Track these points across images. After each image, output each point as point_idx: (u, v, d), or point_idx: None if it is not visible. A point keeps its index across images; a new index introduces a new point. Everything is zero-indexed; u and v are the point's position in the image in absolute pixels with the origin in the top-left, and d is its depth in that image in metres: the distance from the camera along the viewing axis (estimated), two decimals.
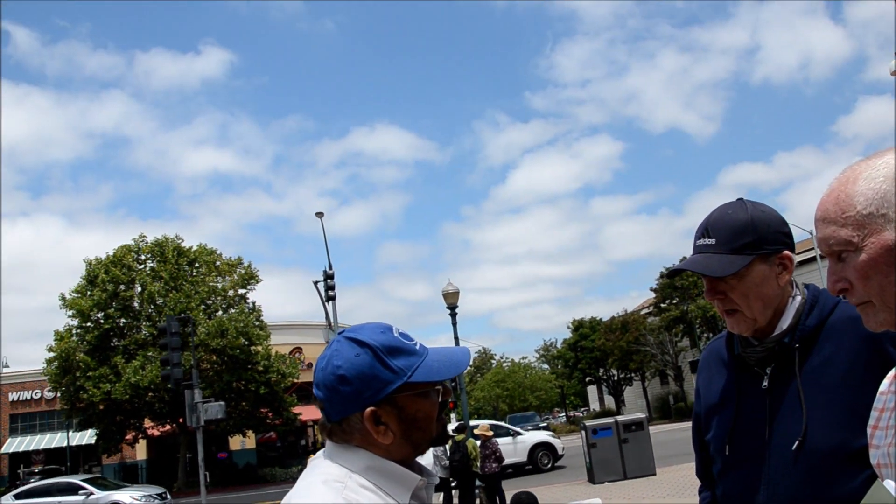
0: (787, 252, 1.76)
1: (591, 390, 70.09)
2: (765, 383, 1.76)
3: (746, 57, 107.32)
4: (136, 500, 24.62)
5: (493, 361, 75.75)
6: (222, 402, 21.27)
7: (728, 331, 1.89)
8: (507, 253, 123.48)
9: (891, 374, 1.34)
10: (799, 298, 1.78)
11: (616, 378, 59.26)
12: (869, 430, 1.33)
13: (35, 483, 27.36)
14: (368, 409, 1.34)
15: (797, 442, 1.64)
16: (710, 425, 1.91)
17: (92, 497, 24.52)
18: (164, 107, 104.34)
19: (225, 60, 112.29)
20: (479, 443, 14.23)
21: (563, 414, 74.50)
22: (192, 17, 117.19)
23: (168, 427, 37.15)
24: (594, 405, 70.07)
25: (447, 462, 14.48)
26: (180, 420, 33.76)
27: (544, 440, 25.12)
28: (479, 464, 13.97)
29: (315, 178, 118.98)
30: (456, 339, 22.67)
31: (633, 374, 56.32)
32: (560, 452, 24.44)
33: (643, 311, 56.10)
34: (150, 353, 32.20)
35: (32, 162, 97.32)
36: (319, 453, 1.45)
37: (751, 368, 1.81)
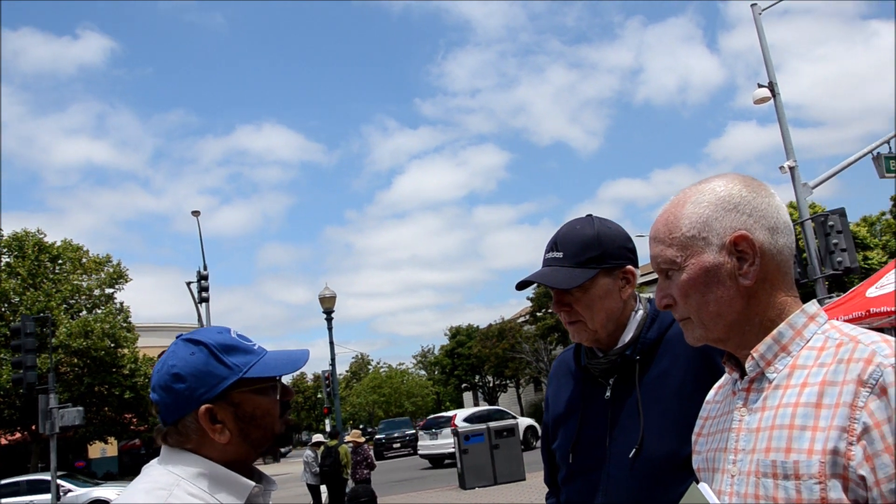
0: (630, 267, 1.84)
1: (467, 396, 70.95)
2: (607, 394, 1.84)
3: (630, 77, 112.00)
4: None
5: (370, 367, 75.38)
6: (81, 408, 20.05)
7: (576, 343, 1.95)
8: (390, 258, 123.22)
9: (717, 384, 1.43)
10: (641, 312, 1.87)
11: (491, 385, 60.25)
12: (693, 437, 1.42)
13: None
14: (203, 407, 1.32)
15: (634, 450, 1.72)
16: (557, 434, 1.97)
17: (70, 494, 22.55)
18: (34, 91, 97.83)
19: (105, 47, 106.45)
20: (350, 449, 14.12)
21: None
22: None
23: (18, 435, 34.73)
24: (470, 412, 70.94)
25: (318, 468, 14.27)
26: (33, 427, 31.64)
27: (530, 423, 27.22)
28: (349, 470, 13.86)
29: (196, 176, 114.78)
30: (331, 343, 22.45)
31: (508, 381, 57.40)
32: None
33: (520, 320, 57.33)
34: (2, 355, 30.03)
35: None
36: (154, 460, 1.40)
37: (595, 379, 1.89)
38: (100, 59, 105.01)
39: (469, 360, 59.14)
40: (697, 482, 1.30)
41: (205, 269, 29.37)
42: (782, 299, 1.25)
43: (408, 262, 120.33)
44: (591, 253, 1.80)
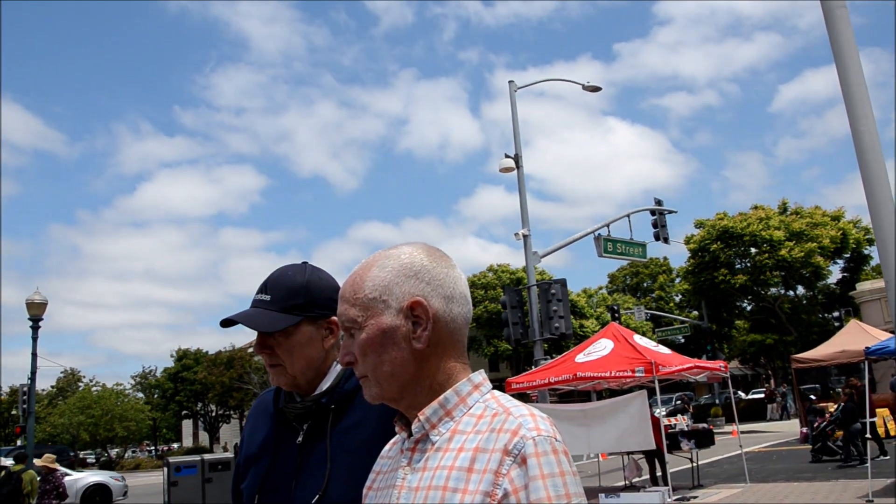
0: (334, 318, 1.86)
1: (187, 424, 67.32)
2: (299, 438, 1.83)
3: (396, 125, 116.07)
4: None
5: (80, 384, 68.76)
6: None
7: (276, 386, 1.93)
8: (122, 268, 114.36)
9: (392, 440, 1.47)
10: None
11: (214, 413, 57.78)
12: (364, 490, 1.44)
13: None
14: None
15: (317, 497, 1.72)
16: (247, 474, 1.94)
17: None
18: None
19: None
20: (38, 476, 12.62)
21: (153, 448, 70.18)
22: None
23: None
24: (188, 440, 67.27)
25: None
26: None
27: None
28: (33, 501, 12.35)
29: None
30: (34, 355, 20.17)
31: (231, 412, 55.44)
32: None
33: (250, 350, 55.77)
34: None
35: None
36: None
37: (290, 423, 1.88)
38: None
39: (193, 386, 56.41)
40: None
41: None
42: (451, 365, 1.33)
43: (141, 275, 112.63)
44: (297, 300, 1.83)
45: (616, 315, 36.50)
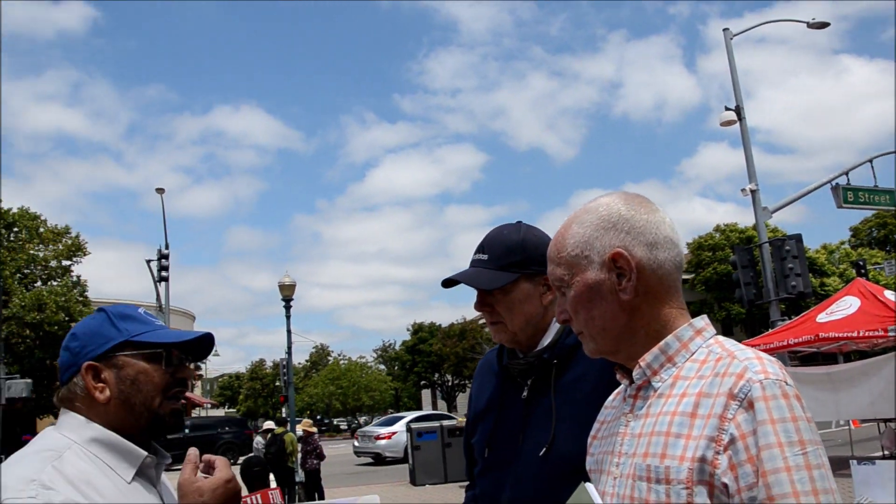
0: None
1: (426, 394, 70.97)
2: (524, 394, 1.90)
3: (609, 90, 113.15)
4: None
5: (329, 358, 75.02)
6: (29, 380, 19.80)
7: (500, 343, 2.01)
8: (357, 251, 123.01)
9: (616, 390, 1.49)
10: None
11: (450, 384, 60.33)
12: (589, 440, 1.48)
13: None
14: (86, 363, 1.39)
15: (544, 449, 1.78)
16: (476, 430, 2.04)
17: None
18: (9, 53, 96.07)
19: (87, 16, 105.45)
20: (301, 437, 14.07)
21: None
22: None
23: None
24: (427, 409, 70.92)
25: (263, 455, 14.20)
26: None
27: None
28: (297, 459, 13.79)
29: (170, 153, 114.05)
30: (288, 331, 22.32)
31: (466, 381, 57.55)
32: None
33: (481, 321, 57.47)
34: None
35: None
36: (49, 426, 1.43)
37: (514, 379, 1.95)
38: (81, 26, 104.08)
39: (430, 358, 59.16)
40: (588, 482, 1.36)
41: (166, 247, 29.01)
42: (666, 311, 1.31)
43: (375, 256, 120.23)
44: (514, 257, 1.87)
45: (862, 271, 33.15)
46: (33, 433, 40.75)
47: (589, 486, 1.32)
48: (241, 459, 10.27)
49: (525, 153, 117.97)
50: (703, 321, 1.32)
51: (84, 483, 1.27)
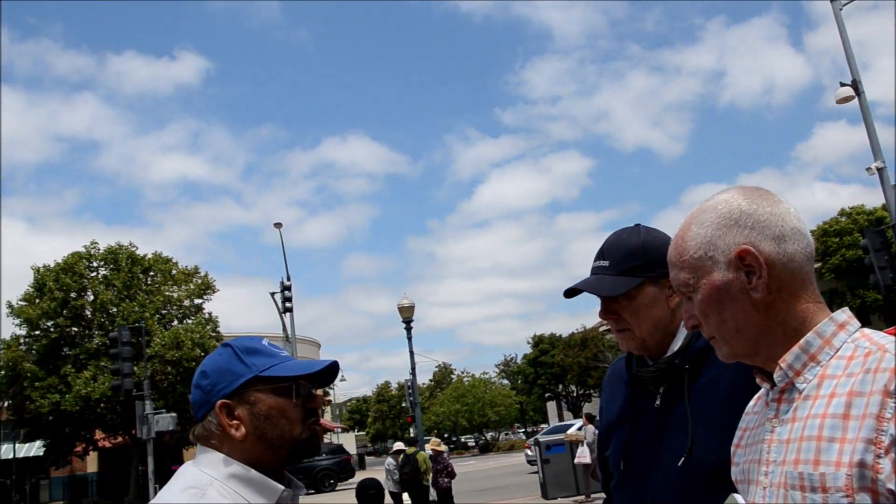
0: None
1: (551, 406, 70.34)
2: (657, 402, 1.83)
3: (713, 80, 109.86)
4: None
5: (452, 376, 75.62)
6: (174, 414, 20.94)
7: (628, 351, 1.95)
8: (472, 267, 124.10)
9: (757, 395, 1.40)
10: None
11: (575, 394, 59.58)
12: (732, 448, 1.40)
13: None
14: (220, 401, 1.41)
15: (682, 458, 1.70)
16: (610, 442, 1.98)
17: None
18: (135, 111, 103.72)
19: (201, 68, 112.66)
20: (430, 456, 14.20)
21: (523, 430, 74.57)
22: (168, 22, 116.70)
23: (120, 439, 36.34)
24: (554, 421, 70.30)
25: (398, 476, 14.42)
26: (133, 432, 33.10)
27: None
28: (430, 477, 13.93)
29: (285, 188, 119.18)
30: (411, 353, 22.65)
31: (591, 391, 56.69)
32: None
33: (602, 328, 56.55)
34: (102, 363, 31.53)
35: None
36: (189, 462, 1.47)
37: (646, 388, 1.88)
38: (196, 78, 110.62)
39: (552, 369, 58.69)
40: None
41: (288, 279, 30.13)
42: (803, 307, 1.22)
43: (489, 271, 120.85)
44: (636, 262, 1.81)
45: None
46: (180, 463, 43.23)
47: (738, 498, 1.25)
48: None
49: (631, 154, 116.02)
50: (844, 314, 1.22)
51: None
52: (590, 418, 17.37)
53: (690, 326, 1.32)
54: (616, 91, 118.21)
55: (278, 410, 1.43)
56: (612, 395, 2.02)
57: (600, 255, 1.89)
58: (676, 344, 1.82)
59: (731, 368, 1.67)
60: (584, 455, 16.07)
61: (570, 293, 1.91)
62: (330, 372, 1.53)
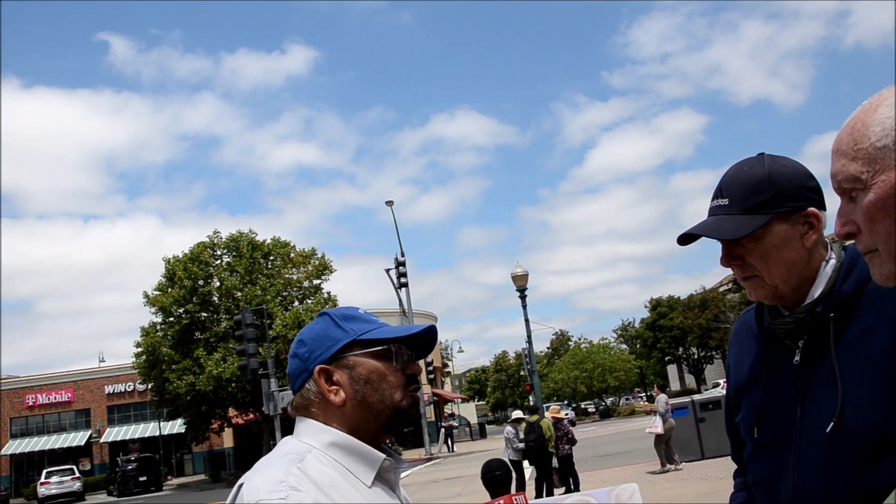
0: (812, 209, 1.54)
1: (671, 369, 68.78)
2: (796, 358, 1.57)
3: (836, 21, 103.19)
4: None
5: (570, 343, 75.07)
6: None
7: (757, 301, 1.69)
8: (586, 233, 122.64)
9: None
10: (833, 262, 1.57)
11: (696, 356, 58.01)
12: None
13: None
14: (318, 367, 1.38)
15: (831, 424, 1.45)
16: (740, 406, 1.73)
17: None
18: (251, 105, 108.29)
19: (310, 58, 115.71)
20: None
21: (643, 394, 73.32)
22: (276, 18, 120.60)
23: (251, 416, 38.21)
24: (675, 384, 68.75)
25: (520, 444, 14.41)
26: (262, 409, 34.72)
27: None
28: (552, 444, 13.88)
29: (396, 167, 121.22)
30: (526, 321, 22.54)
31: (713, 352, 55.05)
32: None
33: (722, 289, 54.64)
34: (230, 345, 33.13)
35: (129, 166, 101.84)
36: (288, 436, 1.44)
37: (782, 342, 1.62)
38: (305, 68, 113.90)
39: (671, 333, 57.36)
40: None
41: (401, 255, 30.60)
42: None
43: (604, 237, 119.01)
44: (761, 196, 1.53)
45: None
46: None
47: None
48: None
49: (748, 107, 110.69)
50: None
51: (328, 486, 1.27)
52: (661, 387, 17.53)
53: (844, 234, 1.09)
54: (729, 43, 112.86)
55: (378, 374, 1.39)
56: (742, 353, 1.76)
57: (718, 192, 1.62)
58: (817, 289, 1.55)
59: (890, 317, 1.44)
60: (655, 426, 15.64)
61: (686, 239, 1.67)
62: (428, 340, 1.49)
